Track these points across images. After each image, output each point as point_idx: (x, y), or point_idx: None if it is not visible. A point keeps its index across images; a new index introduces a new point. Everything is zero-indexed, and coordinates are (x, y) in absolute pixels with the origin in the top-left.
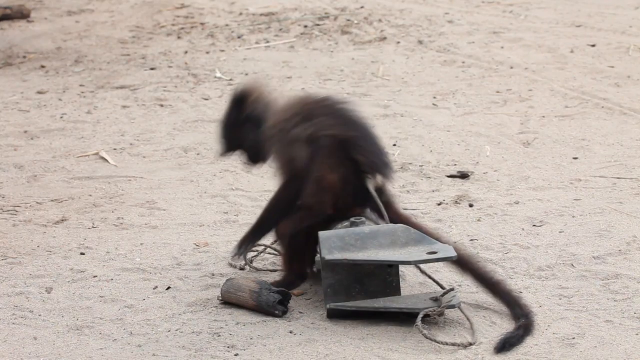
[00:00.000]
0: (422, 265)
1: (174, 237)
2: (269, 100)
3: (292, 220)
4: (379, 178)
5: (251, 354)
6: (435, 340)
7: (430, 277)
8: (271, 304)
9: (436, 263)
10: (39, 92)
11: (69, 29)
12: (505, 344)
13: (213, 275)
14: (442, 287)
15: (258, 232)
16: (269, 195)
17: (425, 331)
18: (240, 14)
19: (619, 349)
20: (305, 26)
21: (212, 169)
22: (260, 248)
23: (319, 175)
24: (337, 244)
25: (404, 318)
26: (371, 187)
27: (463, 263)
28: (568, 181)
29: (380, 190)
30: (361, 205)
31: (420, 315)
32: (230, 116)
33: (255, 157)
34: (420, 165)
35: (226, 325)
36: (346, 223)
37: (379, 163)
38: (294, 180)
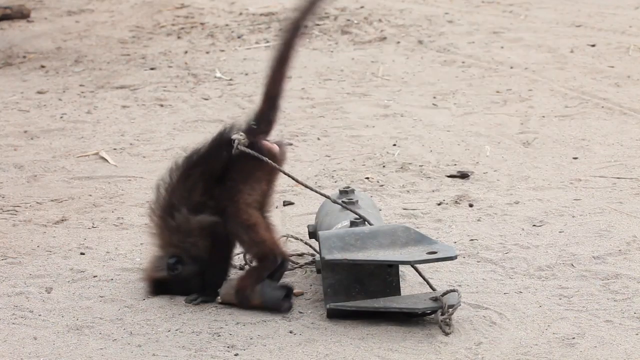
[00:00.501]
0: (421, 265)
1: None
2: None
3: (251, 276)
4: (237, 136)
5: (251, 354)
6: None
7: (423, 277)
8: (276, 300)
9: (436, 263)
10: (39, 92)
11: (69, 29)
12: None
13: None
14: (432, 288)
15: (211, 285)
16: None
17: (446, 328)
18: (240, 14)
19: (619, 349)
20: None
21: None
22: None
23: (244, 219)
24: (337, 244)
25: (404, 318)
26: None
27: None
28: (568, 181)
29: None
30: None
31: (440, 314)
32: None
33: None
34: (420, 165)
35: (226, 325)
36: (346, 223)
37: (225, 138)
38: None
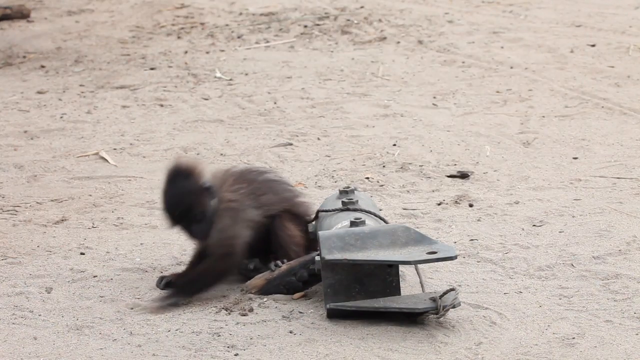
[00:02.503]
0: (421, 265)
1: (174, 237)
2: (210, 174)
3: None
4: None
5: (251, 354)
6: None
7: (420, 279)
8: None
9: (436, 263)
10: (39, 92)
11: (69, 29)
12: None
13: None
14: (423, 289)
15: (188, 290)
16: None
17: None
18: (240, 14)
19: (619, 349)
20: (305, 26)
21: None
22: None
23: (292, 234)
24: (337, 244)
25: (404, 318)
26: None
27: None
28: (568, 181)
29: None
30: None
31: (442, 312)
32: (183, 187)
33: (206, 230)
34: (420, 165)
35: (226, 325)
36: (346, 223)
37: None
38: (232, 255)
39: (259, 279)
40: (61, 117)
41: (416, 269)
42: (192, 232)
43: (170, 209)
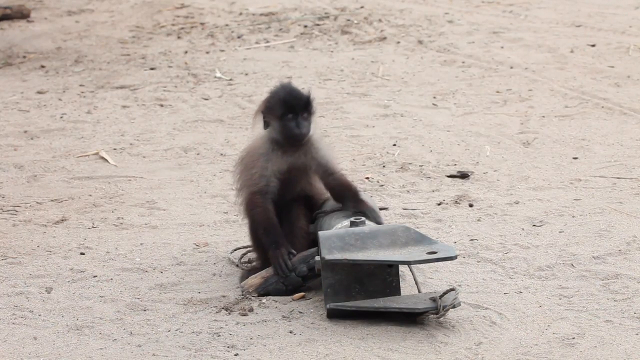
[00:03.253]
0: (421, 265)
1: (174, 237)
2: None
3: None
4: None
5: (251, 354)
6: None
7: (415, 280)
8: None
9: (436, 263)
10: (39, 92)
11: (69, 29)
12: None
13: (213, 275)
14: (419, 289)
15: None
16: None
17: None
18: (240, 14)
19: (619, 349)
20: (305, 26)
21: (212, 169)
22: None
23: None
24: (337, 244)
25: (404, 318)
26: None
27: None
28: (568, 181)
29: None
30: None
31: (442, 311)
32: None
33: (309, 128)
34: (420, 165)
35: (226, 325)
36: (346, 223)
37: None
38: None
39: (255, 278)
40: (61, 117)
41: (410, 268)
42: (299, 125)
43: (295, 95)
